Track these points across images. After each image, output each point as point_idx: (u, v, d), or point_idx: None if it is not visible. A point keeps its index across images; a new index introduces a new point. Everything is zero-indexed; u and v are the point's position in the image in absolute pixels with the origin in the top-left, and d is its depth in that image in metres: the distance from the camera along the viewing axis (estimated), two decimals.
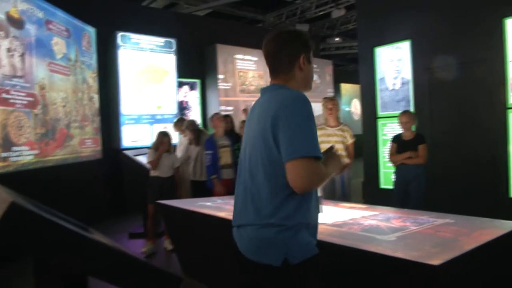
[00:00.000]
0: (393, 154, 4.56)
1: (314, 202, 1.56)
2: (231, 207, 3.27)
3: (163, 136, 4.84)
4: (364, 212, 2.95)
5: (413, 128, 4.63)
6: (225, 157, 4.90)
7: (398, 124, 4.68)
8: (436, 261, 1.65)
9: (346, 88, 15.12)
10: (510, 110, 5.03)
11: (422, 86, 5.86)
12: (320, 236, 2.15)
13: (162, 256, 4.62)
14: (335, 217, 2.77)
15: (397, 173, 4.55)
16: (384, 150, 6.11)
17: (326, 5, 9.45)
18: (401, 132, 4.65)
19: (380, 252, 1.85)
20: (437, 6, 5.60)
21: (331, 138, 4.21)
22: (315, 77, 11.21)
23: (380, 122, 6.36)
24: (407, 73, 6.03)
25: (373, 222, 2.59)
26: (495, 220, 2.62)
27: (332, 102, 4.38)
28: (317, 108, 10.92)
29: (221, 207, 3.30)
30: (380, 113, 6.35)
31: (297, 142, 1.38)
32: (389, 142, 4.73)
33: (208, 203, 3.53)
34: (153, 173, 4.76)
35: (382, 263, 1.81)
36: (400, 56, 6.12)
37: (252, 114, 1.63)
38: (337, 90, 13.85)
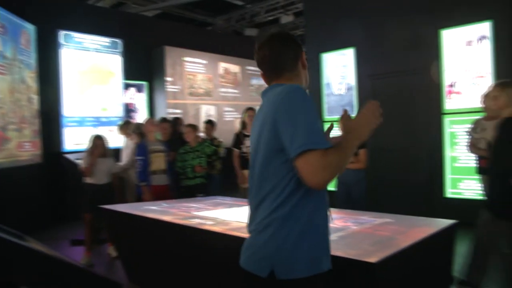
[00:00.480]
0: None
1: (323, 205, 1.41)
2: (177, 211, 3.26)
3: (97, 139, 4.58)
4: None
5: None
6: (158, 162, 4.65)
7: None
8: (373, 259, 1.73)
9: None
10: (445, 116, 5.37)
11: (365, 91, 6.11)
12: None
13: (106, 263, 4.46)
14: None
15: (338, 177, 4.53)
16: None
17: (275, 10, 9.60)
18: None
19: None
20: (380, 17, 5.88)
21: None
22: (263, 81, 11.36)
23: (326, 126, 6.53)
24: (352, 79, 6.26)
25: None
26: (429, 219, 2.78)
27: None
28: None
29: (167, 211, 3.25)
30: (326, 117, 6.54)
31: (298, 137, 1.27)
32: None
33: (154, 207, 3.47)
34: (88, 180, 4.48)
35: None
36: (345, 62, 6.34)
37: (256, 120, 1.54)
38: None
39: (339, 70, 6.43)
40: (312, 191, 1.34)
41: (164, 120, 5.60)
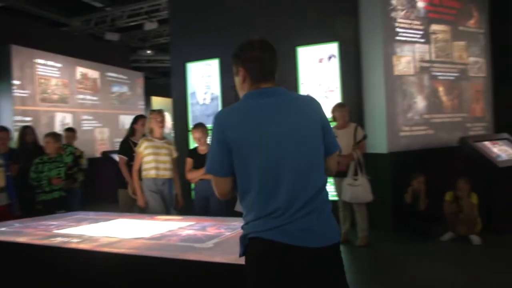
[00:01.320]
0: (189, 171, 4.24)
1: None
2: (34, 230, 2.91)
3: None
4: (181, 223, 3.01)
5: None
6: None
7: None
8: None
9: (157, 101, 15.15)
10: None
11: (229, 102, 6.33)
12: (138, 251, 2.12)
13: None
14: (152, 230, 2.75)
15: (196, 189, 4.31)
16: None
17: (138, 16, 9.31)
18: (197, 146, 4.45)
19: (200, 259, 1.93)
20: (244, 30, 6.19)
21: (161, 151, 4.11)
22: (125, 88, 10.94)
23: (192, 135, 6.58)
24: (216, 89, 6.44)
25: (191, 232, 2.67)
26: None
27: (162, 115, 4.29)
28: (128, 120, 10.60)
29: (20, 232, 2.89)
30: (191, 126, 6.58)
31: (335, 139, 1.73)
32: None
33: (3, 228, 3.04)
34: None
35: (204, 269, 1.90)
36: (210, 72, 6.50)
37: (278, 115, 1.59)
38: (148, 102, 13.74)
39: (204, 80, 6.56)
40: None
41: (1, 128, 4.89)
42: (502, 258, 4.16)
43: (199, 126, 4.29)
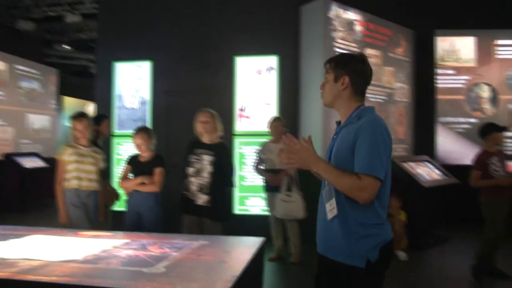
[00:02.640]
0: (124, 179, 3.72)
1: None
2: None
3: None
4: (114, 241, 2.61)
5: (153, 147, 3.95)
6: None
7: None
8: None
9: (70, 102, 13.95)
10: (235, 137, 5.70)
11: (160, 107, 5.95)
12: (74, 279, 1.74)
13: None
14: (82, 250, 2.33)
15: (128, 201, 3.74)
16: (119, 172, 5.73)
17: (59, 6, 8.43)
18: (138, 152, 3.93)
19: None
20: (180, 35, 5.89)
21: (86, 159, 3.60)
22: (36, 85, 9.82)
23: (115, 140, 6.05)
24: (146, 93, 6.01)
25: (130, 253, 2.30)
26: (240, 238, 2.81)
27: (86, 122, 3.76)
28: (39, 120, 9.53)
29: None
30: (116, 131, 6.06)
31: None
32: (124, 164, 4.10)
33: None
34: None
35: None
36: (140, 75, 6.05)
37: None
38: (60, 103, 12.56)
39: (133, 82, 6.09)
40: None
41: None
42: (425, 274, 4.33)
43: (141, 131, 3.73)
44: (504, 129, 4.08)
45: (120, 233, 2.99)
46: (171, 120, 5.88)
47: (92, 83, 8.21)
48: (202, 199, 3.53)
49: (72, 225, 3.42)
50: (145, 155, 3.72)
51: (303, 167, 1.76)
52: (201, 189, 3.53)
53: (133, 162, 3.76)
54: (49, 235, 2.78)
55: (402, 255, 4.73)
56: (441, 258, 4.86)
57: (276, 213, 4.53)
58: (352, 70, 1.83)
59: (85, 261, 2.07)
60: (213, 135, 3.68)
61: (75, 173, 3.50)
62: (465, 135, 6.95)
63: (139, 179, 3.60)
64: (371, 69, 1.88)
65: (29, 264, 1.97)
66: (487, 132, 4.06)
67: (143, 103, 6.02)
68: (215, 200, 3.52)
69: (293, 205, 4.42)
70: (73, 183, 3.50)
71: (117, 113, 6.09)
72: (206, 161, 3.55)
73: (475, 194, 4.14)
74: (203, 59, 5.78)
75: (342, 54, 2.01)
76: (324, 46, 5.42)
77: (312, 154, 1.74)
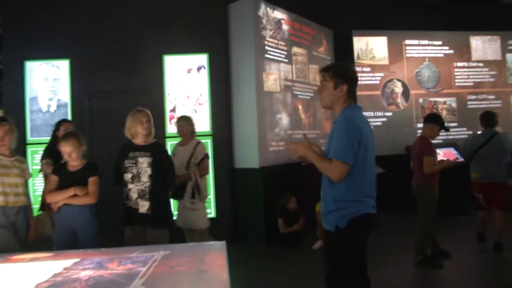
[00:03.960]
0: (51, 191, 3.25)
1: None
2: None
3: None
4: (61, 262, 2.29)
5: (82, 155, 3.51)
6: None
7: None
8: None
9: None
10: (167, 139, 5.45)
11: (82, 110, 5.47)
12: None
13: None
14: (29, 278, 2.01)
15: (57, 217, 3.29)
16: (39, 185, 5.11)
17: None
18: (65, 161, 3.48)
19: None
20: (102, 31, 5.45)
21: (10, 171, 3.12)
22: None
23: (30, 149, 5.43)
24: (65, 95, 5.49)
25: (91, 273, 2.04)
26: (202, 243, 2.68)
27: (10, 124, 3.27)
28: None
29: None
30: (30, 138, 5.44)
31: None
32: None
33: None
34: None
35: None
36: (57, 75, 5.50)
37: (367, 127, 2.35)
38: None
39: (49, 83, 5.50)
40: None
41: None
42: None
43: (70, 137, 3.28)
44: (446, 129, 4.36)
45: (62, 253, 2.66)
46: (96, 124, 5.43)
47: None
48: (144, 206, 3.29)
49: None
50: (75, 164, 3.30)
51: (301, 155, 2.38)
52: (143, 196, 3.29)
53: (61, 172, 3.30)
54: None
55: (318, 244, 4.93)
56: (380, 246, 5.11)
57: (177, 221, 4.10)
58: (350, 78, 2.34)
59: None
60: (150, 136, 3.45)
61: (0, 188, 3.04)
62: (382, 128, 7.46)
63: (71, 191, 3.17)
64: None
65: None
66: (434, 121, 4.29)
67: (61, 106, 5.48)
68: (157, 206, 3.30)
69: (195, 213, 4.04)
70: None
71: (30, 118, 5.46)
72: (144, 164, 3.29)
73: (399, 182, 4.79)
74: (130, 57, 5.42)
75: (337, 64, 2.62)
76: (255, 44, 5.41)
77: (305, 147, 2.35)
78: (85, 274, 2.03)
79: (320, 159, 2.27)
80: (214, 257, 2.24)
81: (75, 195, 3.17)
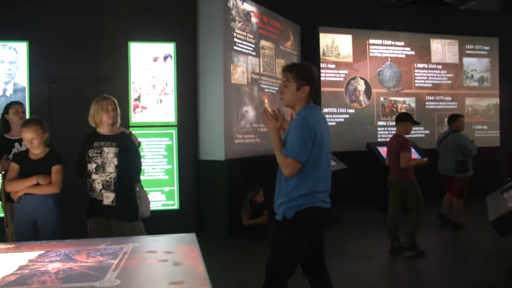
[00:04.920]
0: (11, 180, 3.16)
1: None
2: None
3: None
4: (24, 254, 2.20)
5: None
6: None
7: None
8: None
9: None
10: (131, 128, 5.30)
11: (41, 96, 5.22)
12: None
13: None
14: None
15: (17, 207, 3.19)
16: None
17: None
18: (27, 148, 3.34)
19: None
20: (62, 13, 5.20)
21: None
22: None
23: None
24: (23, 79, 5.21)
25: (59, 266, 1.97)
26: (169, 236, 2.64)
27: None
28: None
29: None
30: None
31: None
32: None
33: None
34: None
35: None
36: (13, 58, 5.21)
37: (323, 126, 2.43)
38: None
39: (5, 66, 5.20)
40: None
41: None
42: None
43: (33, 123, 3.17)
44: (417, 123, 4.68)
45: (24, 244, 2.55)
46: (56, 111, 5.19)
47: None
48: (108, 198, 3.20)
49: None
50: (37, 152, 3.18)
51: (268, 128, 2.48)
52: (107, 187, 3.19)
53: (22, 160, 3.17)
54: None
55: None
56: (339, 239, 5.27)
57: None
58: (312, 80, 2.42)
59: (9, 284, 1.71)
60: (114, 125, 3.34)
61: None
62: (344, 124, 7.64)
63: (33, 180, 3.07)
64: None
65: None
66: (405, 119, 4.56)
67: (18, 90, 5.20)
68: (122, 197, 3.22)
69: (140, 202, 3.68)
70: None
71: None
72: (110, 154, 3.18)
73: (361, 177, 4.96)
74: (93, 42, 5.22)
75: (299, 64, 2.68)
76: (224, 36, 5.37)
77: (274, 126, 2.42)
78: (53, 266, 1.96)
79: (279, 148, 2.37)
80: (186, 250, 2.22)
81: (37, 184, 3.06)
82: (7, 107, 3.90)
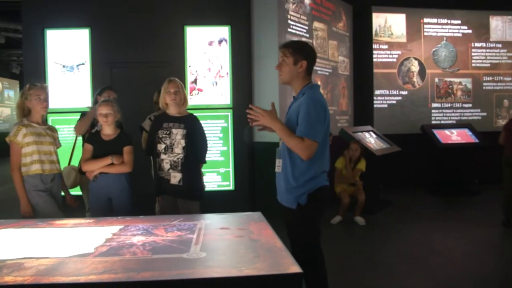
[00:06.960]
0: (86, 160, 3.27)
1: None
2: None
3: None
4: (107, 229, 2.36)
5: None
6: None
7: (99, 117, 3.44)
8: (295, 269, 1.50)
9: None
10: (189, 111, 5.43)
11: (102, 80, 5.44)
12: (121, 275, 1.54)
13: None
14: (84, 242, 2.08)
15: (92, 186, 3.33)
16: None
17: None
18: (99, 129, 3.49)
19: (242, 275, 1.50)
20: (123, 1, 5.37)
21: (44, 138, 3.15)
22: None
23: (51, 118, 5.45)
24: (86, 64, 5.46)
25: (143, 239, 2.10)
26: (237, 214, 2.73)
27: (46, 91, 3.24)
28: None
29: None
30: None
31: None
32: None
33: None
34: None
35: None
36: (77, 44, 5.46)
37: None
38: None
39: (69, 52, 5.46)
40: None
41: None
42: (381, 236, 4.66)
43: (110, 102, 3.33)
44: None
45: (103, 219, 2.72)
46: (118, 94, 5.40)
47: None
48: (175, 177, 3.32)
49: (39, 214, 3.03)
50: (109, 133, 3.33)
51: (267, 125, 2.40)
52: (175, 167, 3.31)
53: (96, 141, 3.33)
54: (18, 228, 2.42)
55: (360, 220, 5.01)
56: (395, 222, 5.23)
57: None
58: (309, 55, 2.38)
59: (104, 254, 1.84)
60: (182, 107, 3.43)
61: (37, 156, 3.08)
62: (397, 106, 7.46)
63: (108, 159, 3.23)
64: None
65: (40, 263, 1.69)
66: None
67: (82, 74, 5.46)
68: (188, 178, 3.33)
69: None
70: (34, 168, 3.08)
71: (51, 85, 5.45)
72: (178, 135, 3.29)
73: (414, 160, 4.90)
74: (151, 28, 5.37)
75: (296, 41, 2.56)
76: (278, 18, 5.35)
77: (274, 116, 2.35)
78: (138, 239, 2.09)
79: (289, 133, 2.28)
80: (258, 227, 2.29)
81: (111, 164, 3.22)
82: (102, 90, 4.14)
